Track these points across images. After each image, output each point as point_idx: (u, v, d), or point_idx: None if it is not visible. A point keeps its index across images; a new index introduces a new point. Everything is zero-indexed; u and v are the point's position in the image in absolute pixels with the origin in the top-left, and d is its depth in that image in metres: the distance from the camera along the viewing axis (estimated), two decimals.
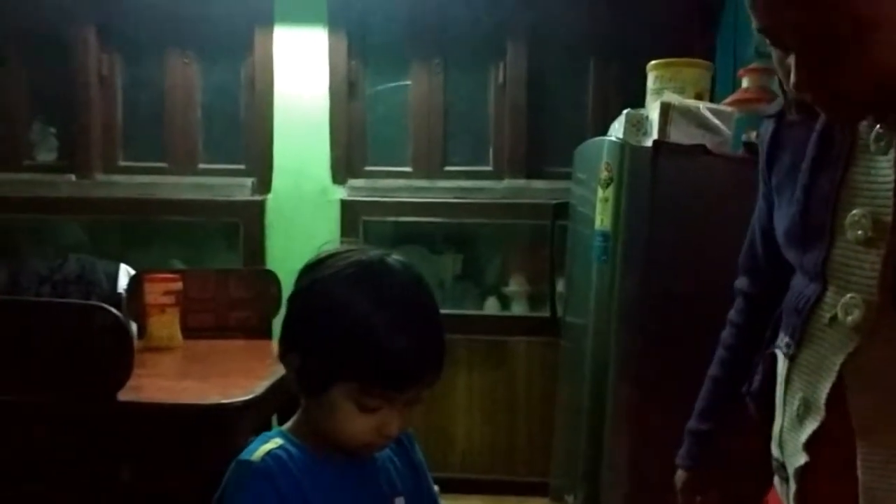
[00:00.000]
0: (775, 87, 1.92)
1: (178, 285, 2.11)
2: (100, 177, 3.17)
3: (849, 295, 0.84)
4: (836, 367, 0.85)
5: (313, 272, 0.95)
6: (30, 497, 1.57)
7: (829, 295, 0.88)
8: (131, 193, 3.11)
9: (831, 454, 0.87)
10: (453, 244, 3.24)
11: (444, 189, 3.11)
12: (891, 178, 0.81)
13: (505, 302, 3.18)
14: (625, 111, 2.09)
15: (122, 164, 3.23)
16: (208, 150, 3.21)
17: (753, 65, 2.08)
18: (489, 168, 3.19)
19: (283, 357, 0.96)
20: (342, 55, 3.07)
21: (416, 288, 0.94)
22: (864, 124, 0.85)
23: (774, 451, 0.97)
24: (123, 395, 1.49)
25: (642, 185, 1.90)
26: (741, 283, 1.18)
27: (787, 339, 0.94)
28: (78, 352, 1.50)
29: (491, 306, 3.17)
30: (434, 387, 0.93)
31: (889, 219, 0.80)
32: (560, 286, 2.63)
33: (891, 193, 0.80)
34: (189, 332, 2.14)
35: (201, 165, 3.20)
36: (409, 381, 0.90)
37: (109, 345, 1.49)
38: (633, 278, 1.94)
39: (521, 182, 3.11)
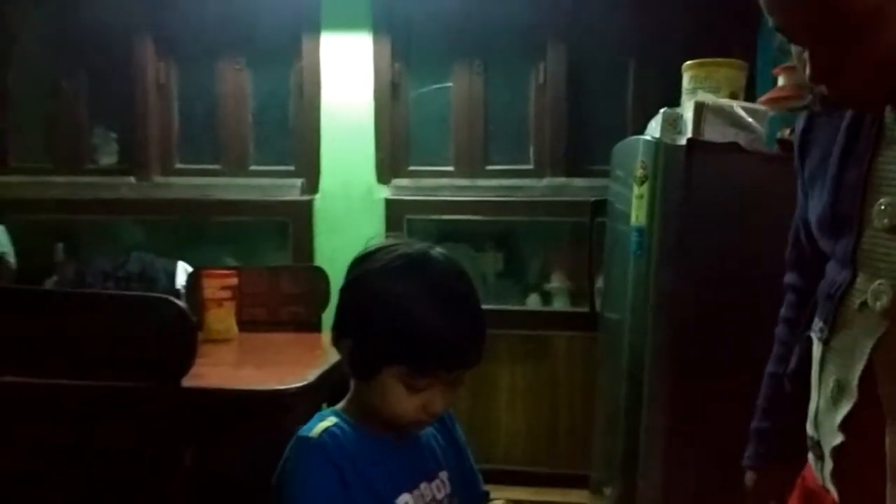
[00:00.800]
0: None
1: (234, 281, 2.17)
2: (158, 179, 3.28)
3: (878, 281, 0.86)
4: (867, 352, 0.87)
5: (363, 264, 1.02)
6: (98, 477, 1.66)
7: (860, 281, 0.90)
8: (187, 194, 3.21)
9: (865, 434, 0.88)
10: (495, 242, 3.27)
11: (485, 188, 3.15)
12: None
13: (546, 298, 3.20)
14: (662, 110, 2.12)
15: (179, 166, 3.33)
16: (259, 153, 3.30)
17: (788, 63, 2.10)
18: (530, 167, 3.21)
19: (336, 343, 1.04)
20: (386, 59, 3.14)
21: (457, 278, 1.01)
22: (890, 116, 0.87)
23: (810, 430, 0.99)
24: (187, 382, 1.54)
25: (676, 182, 1.92)
26: (790, 278, 1.18)
27: (820, 324, 0.97)
28: (145, 341, 1.54)
29: (533, 302, 3.20)
30: (476, 368, 1.01)
31: None
32: (599, 282, 2.65)
33: None
34: (243, 325, 2.19)
35: (253, 167, 3.29)
36: (453, 363, 0.97)
37: (174, 335, 1.53)
38: (667, 273, 1.96)
39: (562, 180, 3.13)
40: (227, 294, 2.15)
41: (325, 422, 1.02)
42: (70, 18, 3.28)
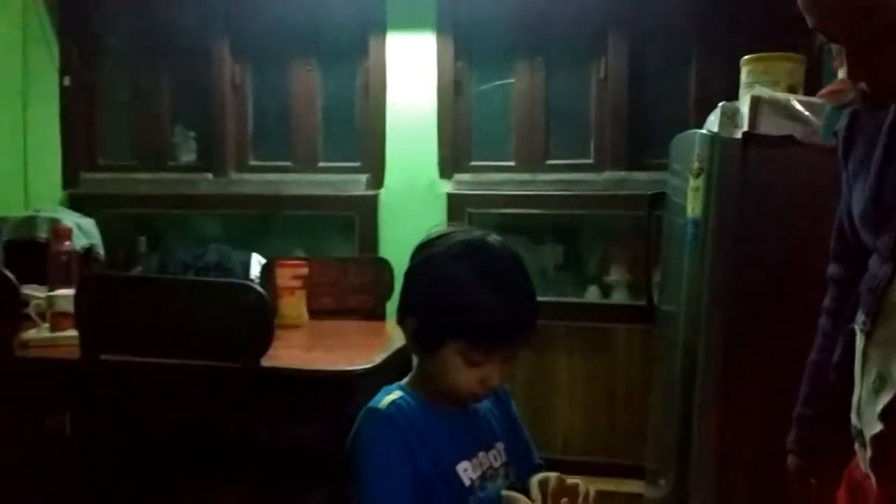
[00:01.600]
0: None
1: (305, 271, 2.28)
2: (233, 175, 3.42)
3: None
4: None
5: (426, 250, 1.11)
6: (183, 448, 1.79)
7: None
8: (261, 190, 3.36)
9: None
10: (555, 235, 3.29)
11: (545, 182, 3.18)
12: None
13: (606, 290, 3.21)
14: (720, 104, 2.13)
15: (253, 163, 3.47)
16: (328, 150, 3.41)
17: None
18: (590, 161, 3.22)
19: (401, 322, 1.12)
20: (449, 57, 3.20)
21: (512, 261, 1.09)
22: None
23: (853, 419, 1.02)
24: (265, 362, 1.66)
25: (731, 175, 1.93)
26: (833, 270, 1.21)
27: (863, 317, 1.00)
28: (227, 324, 1.67)
29: (592, 295, 3.21)
30: (535, 357, 1.09)
31: None
32: (657, 275, 2.65)
33: None
34: (313, 313, 2.30)
35: (321, 164, 3.40)
36: (507, 339, 1.05)
37: (254, 318, 1.66)
38: (721, 265, 1.97)
39: (622, 174, 3.13)
40: (298, 283, 2.26)
41: (391, 395, 1.11)
42: (152, 23, 3.46)
